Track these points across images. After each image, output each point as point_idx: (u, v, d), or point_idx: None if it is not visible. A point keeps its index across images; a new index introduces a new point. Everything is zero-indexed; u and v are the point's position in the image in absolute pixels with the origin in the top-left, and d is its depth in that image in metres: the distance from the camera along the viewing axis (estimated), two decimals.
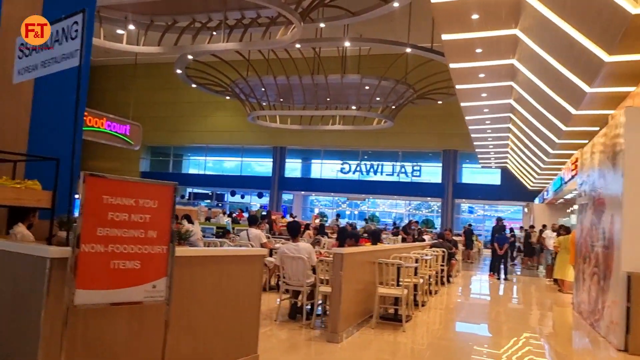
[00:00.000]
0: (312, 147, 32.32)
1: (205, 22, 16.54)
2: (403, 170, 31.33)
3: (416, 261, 7.94)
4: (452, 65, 11.43)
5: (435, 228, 29.76)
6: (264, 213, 20.24)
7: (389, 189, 31.02)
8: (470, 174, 31.43)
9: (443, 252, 10.79)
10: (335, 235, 15.42)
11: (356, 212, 34.26)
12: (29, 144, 5.70)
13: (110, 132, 16.63)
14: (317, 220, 21.95)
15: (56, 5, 5.77)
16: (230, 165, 35.70)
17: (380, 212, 33.86)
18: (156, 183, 3.19)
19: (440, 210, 31.06)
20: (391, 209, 34.07)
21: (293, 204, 33.98)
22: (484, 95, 13.01)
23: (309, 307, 6.66)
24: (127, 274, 3.01)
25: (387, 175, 31.72)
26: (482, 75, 11.53)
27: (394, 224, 26.17)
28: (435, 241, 12.13)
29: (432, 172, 31.21)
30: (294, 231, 6.64)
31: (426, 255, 9.00)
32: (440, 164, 30.47)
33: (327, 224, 20.08)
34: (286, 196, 33.83)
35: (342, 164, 32.49)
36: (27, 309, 2.99)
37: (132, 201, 3.03)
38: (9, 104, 5.62)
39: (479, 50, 9.93)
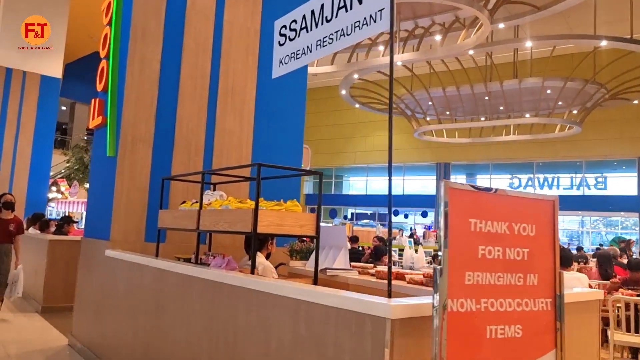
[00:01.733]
0: (478, 162, 30.04)
1: (375, 37, 15.83)
2: (584, 182, 27.57)
3: None
4: None
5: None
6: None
7: (567, 203, 27.37)
8: None
9: None
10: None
11: None
12: (252, 160, 5.12)
13: None
14: None
15: (274, 9, 5.20)
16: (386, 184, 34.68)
17: None
18: (531, 197, 2.02)
19: (636, 227, 26.63)
20: (561, 226, 30.16)
21: None
22: None
23: None
24: (507, 346, 1.85)
25: (564, 188, 28.14)
26: None
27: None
28: None
29: (620, 184, 26.96)
30: (566, 260, 5.11)
31: None
32: (635, 173, 26.21)
33: None
34: None
35: (510, 179, 29.62)
36: None
37: (504, 226, 1.89)
38: (233, 119, 5.04)
39: None
